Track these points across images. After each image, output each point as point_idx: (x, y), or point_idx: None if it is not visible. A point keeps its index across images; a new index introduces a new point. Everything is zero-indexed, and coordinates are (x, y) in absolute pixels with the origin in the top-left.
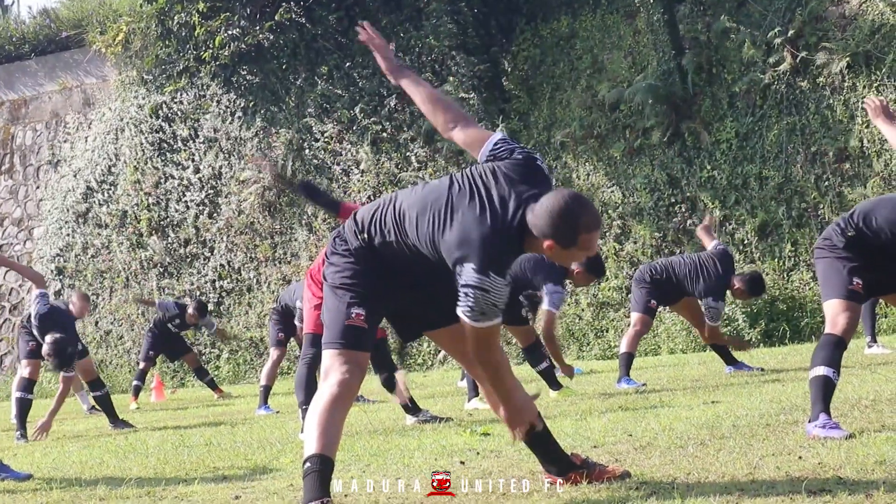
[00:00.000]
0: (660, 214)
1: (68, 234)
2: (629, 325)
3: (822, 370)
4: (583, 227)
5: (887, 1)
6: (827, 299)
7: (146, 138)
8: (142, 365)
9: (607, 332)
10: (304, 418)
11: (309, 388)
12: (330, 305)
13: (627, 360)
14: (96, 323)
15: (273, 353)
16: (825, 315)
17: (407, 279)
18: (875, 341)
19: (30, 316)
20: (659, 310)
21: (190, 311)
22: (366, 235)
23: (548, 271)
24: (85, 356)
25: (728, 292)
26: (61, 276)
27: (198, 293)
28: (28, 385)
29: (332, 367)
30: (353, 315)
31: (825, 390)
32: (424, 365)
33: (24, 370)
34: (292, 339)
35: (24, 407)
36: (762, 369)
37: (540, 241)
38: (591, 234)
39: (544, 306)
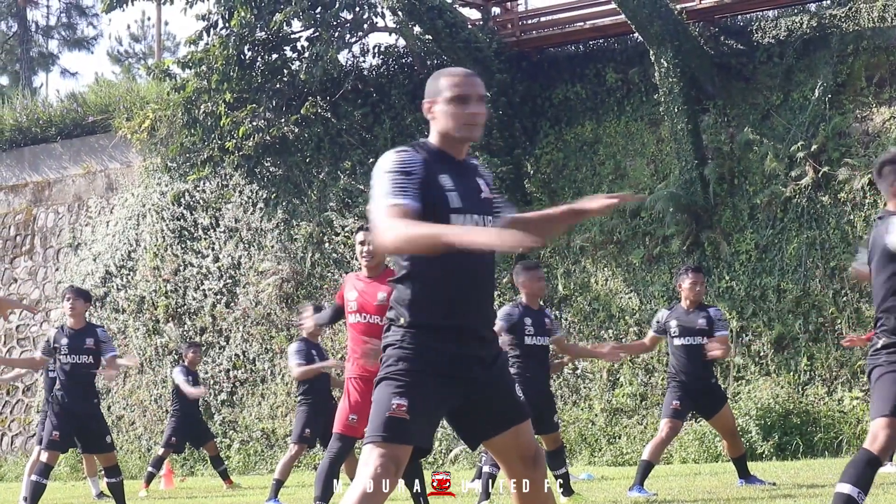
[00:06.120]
0: None
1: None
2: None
3: (846, 488)
4: (442, 74)
5: None
6: (875, 416)
7: (167, 225)
8: (161, 451)
9: (620, 438)
10: None
11: (328, 483)
12: (375, 397)
13: (645, 468)
14: (108, 408)
15: (292, 448)
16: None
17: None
18: (891, 459)
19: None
20: None
21: (190, 355)
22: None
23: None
24: (111, 449)
25: (686, 297)
26: None
27: (211, 381)
28: (45, 470)
29: (367, 461)
30: (393, 406)
31: None
32: (435, 464)
33: (42, 455)
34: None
35: (37, 492)
36: (774, 483)
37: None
38: (451, 76)
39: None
